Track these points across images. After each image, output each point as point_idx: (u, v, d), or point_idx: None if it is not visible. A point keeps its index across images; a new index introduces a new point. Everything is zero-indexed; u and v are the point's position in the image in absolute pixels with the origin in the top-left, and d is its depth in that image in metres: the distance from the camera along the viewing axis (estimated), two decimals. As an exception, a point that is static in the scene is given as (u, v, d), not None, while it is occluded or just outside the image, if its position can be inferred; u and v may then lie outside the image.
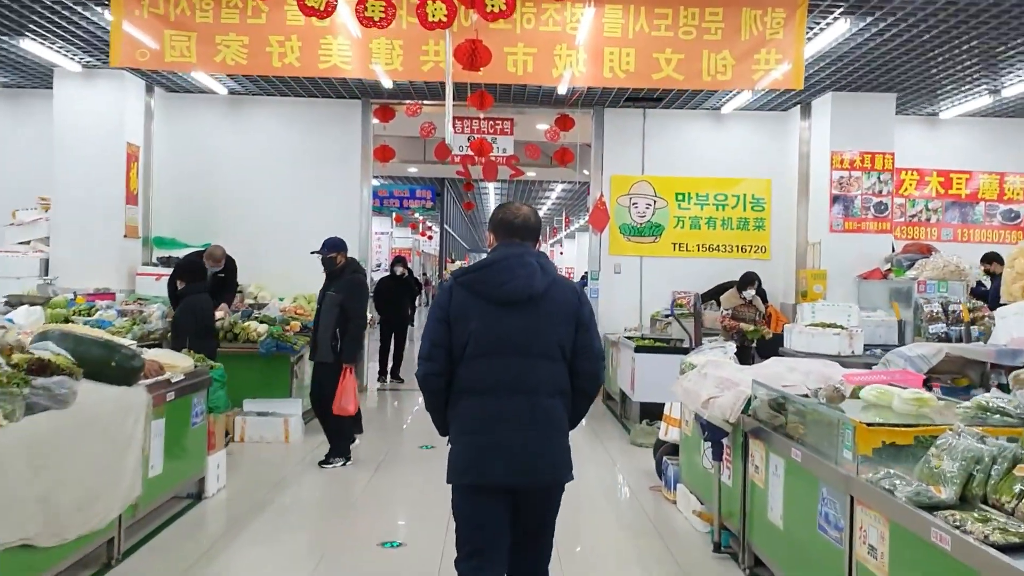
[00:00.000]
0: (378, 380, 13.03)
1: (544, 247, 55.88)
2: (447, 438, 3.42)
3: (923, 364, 5.84)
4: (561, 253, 54.01)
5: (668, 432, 6.66)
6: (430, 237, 43.51)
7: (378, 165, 12.76)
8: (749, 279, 10.04)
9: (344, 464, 7.59)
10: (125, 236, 11.03)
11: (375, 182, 24.07)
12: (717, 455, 5.12)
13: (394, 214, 27.79)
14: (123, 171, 10.98)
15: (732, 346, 6.44)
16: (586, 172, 18.41)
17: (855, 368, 5.77)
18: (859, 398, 4.12)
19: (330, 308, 7.53)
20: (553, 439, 3.32)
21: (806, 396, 4.41)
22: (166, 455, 5.62)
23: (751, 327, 9.74)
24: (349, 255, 7.97)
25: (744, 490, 4.88)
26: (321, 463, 7.59)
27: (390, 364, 13.13)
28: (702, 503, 5.74)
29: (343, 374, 7.43)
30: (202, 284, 8.46)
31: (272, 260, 12.16)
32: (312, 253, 8.01)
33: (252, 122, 12.28)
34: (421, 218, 38.93)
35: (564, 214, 34.40)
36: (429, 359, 3.31)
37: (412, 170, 20.39)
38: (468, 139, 12.10)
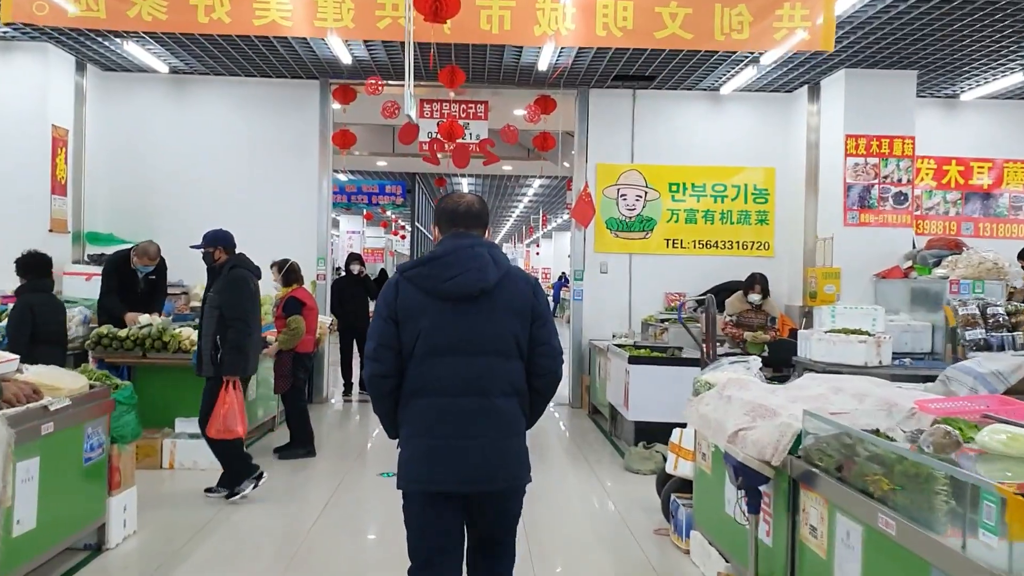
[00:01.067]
0: (344, 396, 11.75)
1: (520, 248, 54.78)
2: (396, 441, 3.23)
3: (998, 383, 4.71)
4: (537, 253, 52.88)
5: (678, 465, 5.47)
6: (403, 236, 42.25)
7: (341, 158, 11.52)
8: (754, 281, 8.91)
9: (255, 487, 6.46)
10: (51, 231, 9.71)
11: (342, 177, 22.82)
12: (754, 507, 3.94)
13: (364, 211, 26.50)
14: (48, 157, 9.67)
15: (757, 361, 5.26)
16: (567, 165, 17.26)
17: (883, 379, 4.64)
18: (971, 441, 2.95)
19: (209, 313, 6.42)
20: (508, 442, 3.12)
21: (878, 432, 3.26)
22: (43, 504, 4.37)
23: (755, 337, 8.64)
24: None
25: (792, 556, 3.70)
26: (207, 490, 6.54)
27: (355, 375, 11.85)
28: (727, 560, 4.56)
29: (223, 388, 6.24)
30: (47, 282, 7.04)
31: (220, 258, 10.88)
32: (192, 248, 6.90)
33: (198, 105, 11.01)
34: (394, 216, 37.68)
35: (541, 212, 33.19)
36: (375, 359, 3.13)
37: (381, 163, 19.13)
38: (437, 123, 10.87)
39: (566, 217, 35.10)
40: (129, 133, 10.94)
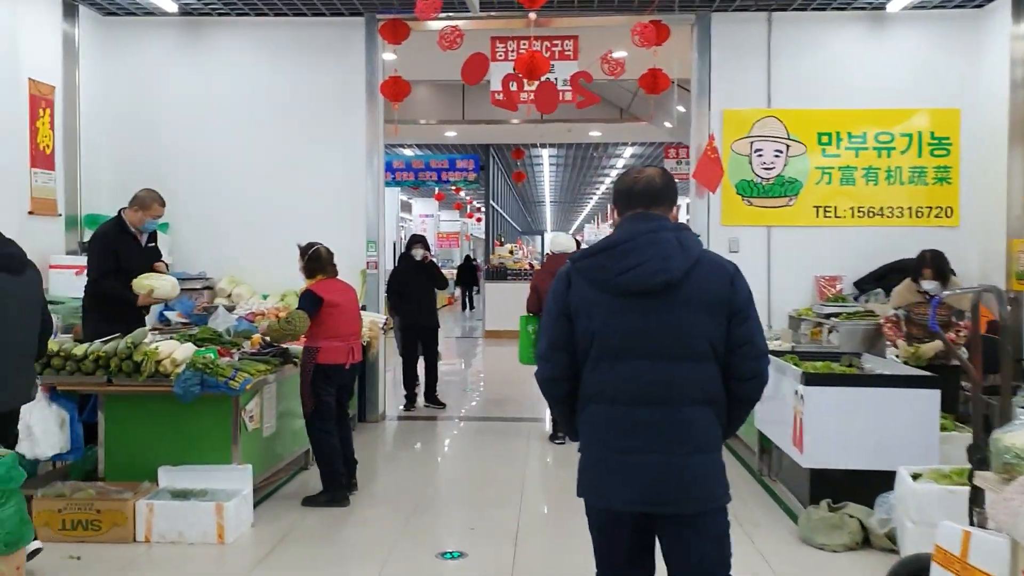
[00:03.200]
0: (405, 409, 9.52)
1: (603, 229, 51.98)
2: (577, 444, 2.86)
3: None
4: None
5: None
6: (479, 219, 40.14)
7: (394, 117, 9.21)
8: (923, 261, 6.35)
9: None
10: (32, 213, 7.68)
11: (408, 152, 20.67)
12: None
13: (436, 190, 24.31)
14: (24, 121, 7.63)
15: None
16: (668, 125, 14.73)
17: None
18: None
19: None
20: (694, 459, 2.66)
21: None
22: None
23: (916, 353, 6.14)
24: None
25: None
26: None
27: (420, 384, 9.60)
28: None
29: None
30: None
31: (248, 244, 8.83)
32: None
33: (216, 53, 8.89)
34: (468, 198, 35.57)
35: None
36: (548, 361, 2.78)
37: (450, 134, 16.90)
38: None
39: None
40: (135, 92, 8.87)
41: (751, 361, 2.72)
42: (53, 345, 5.30)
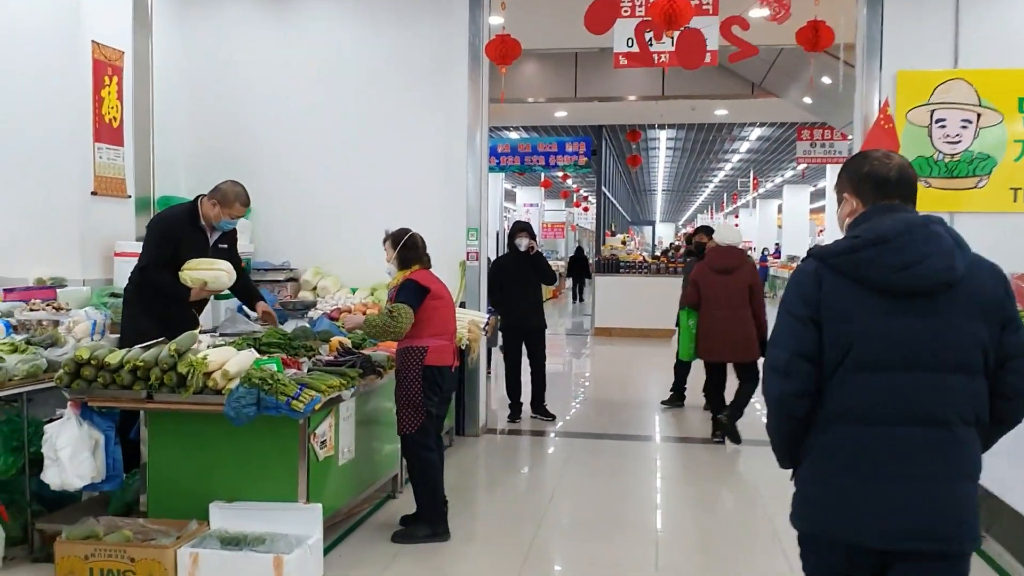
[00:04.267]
0: (509, 420, 8.35)
1: (717, 219, 49.85)
2: (791, 472, 2.52)
3: None
4: (736, 225, 47.97)
5: None
6: (586, 209, 38.83)
7: (501, 89, 8.05)
8: None
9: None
10: (95, 193, 6.83)
11: (513, 135, 19.51)
12: None
13: (542, 176, 23.18)
14: (87, 89, 6.78)
15: None
16: (807, 101, 13.16)
17: None
18: None
19: None
20: (964, 487, 2.33)
21: None
22: None
23: None
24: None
25: None
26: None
27: (527, 392, 8.44)
28: None
29: None
30: None
31: (336, 232, 7.85)
32: None
33: (300, 18, 7.94)
34: (575, 186, 34.29)
35: (752, 174, 28.68)
36: (788, 374, 2.38)
37: (559, 114, 15.69)
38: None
39: (787, 176, 30.76)
40: (213, 62, 8.00)
41: (1022, 378, 2.38)
42: (83, 351, 4.32)
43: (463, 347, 6.85)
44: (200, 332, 5.08)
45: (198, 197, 5.45)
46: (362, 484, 5.25)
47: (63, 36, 6.57)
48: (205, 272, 5.24)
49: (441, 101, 7.72)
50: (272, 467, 4.44)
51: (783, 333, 2.44)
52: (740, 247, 7.60)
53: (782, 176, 31.17)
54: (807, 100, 12.88)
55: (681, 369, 9.07)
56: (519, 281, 8.22)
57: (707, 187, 38.77)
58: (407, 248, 5.07)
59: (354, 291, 7.63)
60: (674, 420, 8.66)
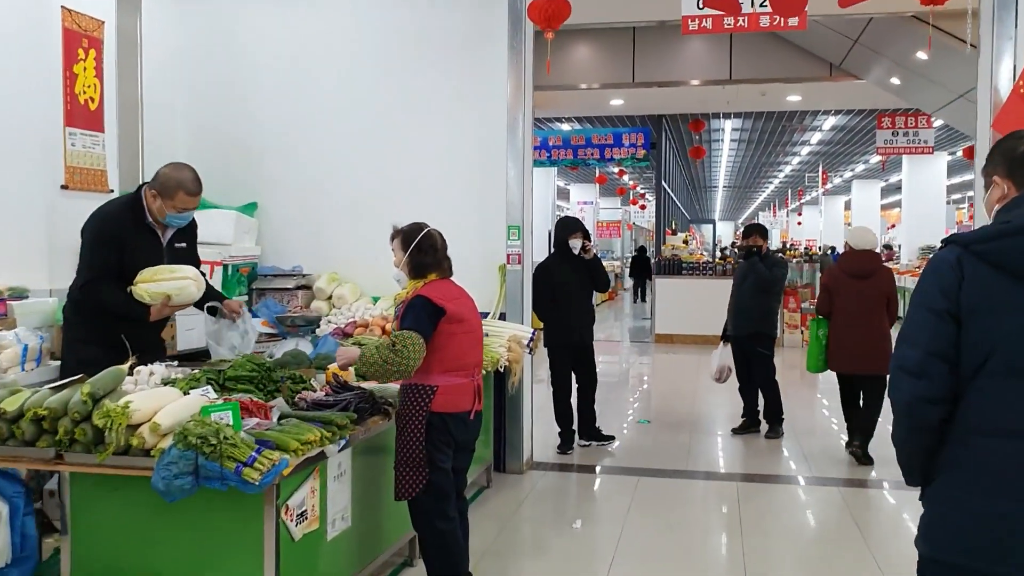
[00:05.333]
0: (560, 451, 7.14)
1: (779, 217, 47.86)
2: (920, 490, 2.26)
3: None
4: (799, 223, 45.97)
5: None
6: (643, 207, 37.38)
7: (545, 102, 6.83)
8: None
9: None
10: (65, 187, 5.77)
11: (565, 127, 18.23)
12: None
13: (597, 171, 21.86)
14: (56, 63, 5.72)
15: None
16: (895, 81, 11.66)
17: None
18: None
19: None
20: None
21: None
22: None
23: None
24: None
25: None
26: None
27: (575, 416, 7.23)
28: None
29: None
30: None
31: (355, 232, 6.71)
32: None
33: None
34: (632, 183, 32.89)
35: (821, 168, 26.95)
36: (921, 375, 2.12)
37: (616, 102, 14.39)
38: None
39: (857, 170, 28.92)
40: (215, 36, 6.89)
41: None
42: (-25, 392, 3.20)
43: (501, 369, 5.66)
44: (160, 362, 3.97)
45: (141, 186, 4.33)
46: (365, 556, 4.06)
47: (25, 4, 5.52)
48: (166, 283, 4.14)
49: (477, 79, 6.54)
50: (233, 548, 3.27)
51: (916, 328, 2.17)
52: (877, 251, 7.03)
53: (852, 171, 29.39)
54: (895, 81, 11.43)
55: (748, 389, 7.85)
56: (569, 288, 7.02)
57: (771, 183, 37.00)
58: (421, 251, 3.88)
59: (376, 300, 6.47)
60: (752, 451, 7.36)
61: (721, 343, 7.94)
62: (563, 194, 31.88)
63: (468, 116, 6.57)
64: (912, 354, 2.14)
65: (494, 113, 6.49)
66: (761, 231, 7.81)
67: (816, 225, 42.96)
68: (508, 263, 6.47)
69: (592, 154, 16.08)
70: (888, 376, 2.25)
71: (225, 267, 6.02)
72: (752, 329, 7.59)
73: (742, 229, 7.56)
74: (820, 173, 26.68)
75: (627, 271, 29.62)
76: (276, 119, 6.78)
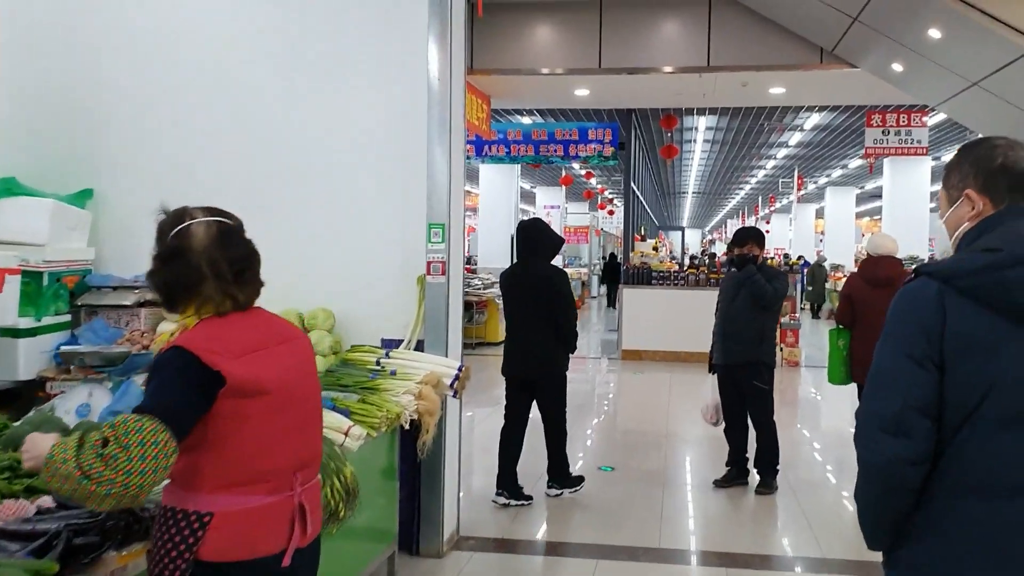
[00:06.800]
0: (500, 500, 5.84)
1: (747, 224, 46.63)
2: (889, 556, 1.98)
3: None
4: (767, 231, 44.68)
5: None
6: (611, 212, 36.01)
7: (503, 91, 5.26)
8: None
9: None
10: None
11: (525, 120, 16.70)
12: None
13: (562, 172, 20.35)
14: None
15: None
16: (896, 67, 10.22)
17: None
18: None
19: None
20: None
21: None
22: None
23: None
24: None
25: None
26: None
27: (528, 459, 5.84)
28: None
29: None
30: None
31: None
32: None
33: None
34: (600, 186, 31.51)
35: (796, 172, 25.62)
36: (900, 432, 1.85)
37: (580, 92, 12.87)
38: None
39: (836, 176, 27.70)
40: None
41: None
42: None
43: (406, 425, 4.11)
44: None
45: None
46: None
47: None
48: None
49: (396, 40, 4.97)
50: None
51: (892, 377, 1.89)
52: (898, 256, 6.38)
53: (828, 176, 28.18)
54: (896, 67, 9.99)
55: (736, 431, 6.41)
56: (530, 310, 5.83)
57: (743, 188, 35.75)
58: (176, 259, 2.23)
59: (251, 322, 4.85)
60: (741, 515, 5.87)
61: (710, 375, 6.50)
62: (528, 197, 30.41)
63: (386, 87, 5.00)
64: (889, 407, 1.87)
65: (410, 81, 4.93)
66: (758, 237, 6.38)
67: (786, 234, 41.95)
68: (428, 274, 4.90)
69: (555, 151, 14.58)
70: (854, 432, 1.90)
71: (35, 276, 4.38)
72: (747, 357, 6.13)
73: (732, 235, 6.08)
74: (796, 178, 25.38)
75: (595, 278, 28.37)
76: (129, 81, 5.15)
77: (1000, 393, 1.80)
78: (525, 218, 9.03)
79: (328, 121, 5.04)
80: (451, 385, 4.59)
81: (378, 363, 4.57)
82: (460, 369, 4.70)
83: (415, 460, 4.70)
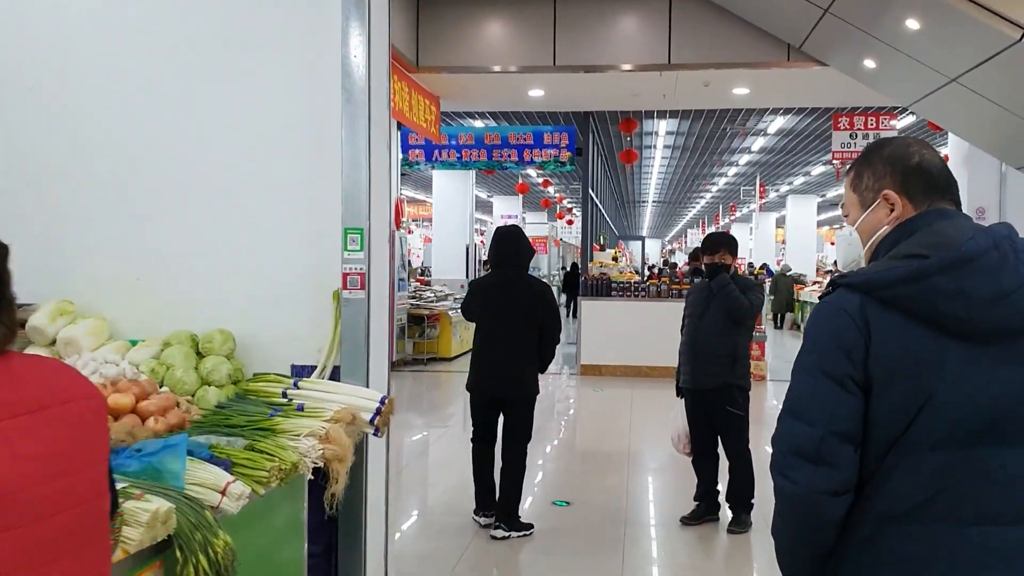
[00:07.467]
0: (475, 512, 5.60)
1: (702, 235, 46.35)
2: None
3: None
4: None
5: None
6: (570, 222, 35.49)
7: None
8: None
9: None
10: None
11: (478, 124, 15.99)
12: None
13: (518, 180, 19.67)
14: None
15: None
16: (869, 64, 9.65)
17: None
18: None
19: None
20: None
21: None
22: None
23: None
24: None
25: None
26: None
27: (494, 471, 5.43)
28: None
29: None
30: None
31: (105, 242, 4.32)
32: None
33: None
34: (558, 195, 30.93)
35: (758, 180, 25.18)
36: (821, 461, 1.71)
37: (535, 93, 12.19)
38: None
39: (798, 183, 27.40)
40: None
41: None
42: None
43: (306, 474, 3.35)
44: None
45: None
46: None
47: None
48: None
49: (303, 10, 4.23)
50: None
51: (811, 400, 1.76)
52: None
53: (789, 184, 27.87)
54: (869, 63, 9.44)
55: (706, 461, 5.75)
56: (505, 320, 5.39)
57: (703, 197, 35.42)
58: None
59: (134, 344, 4.07)
60: (715, 560, 5.18)
61: (677, 400, 5.82)
62: (485, 206, 29.75)
63: (299, 72, 4.24)
64: (808, 433, 1.73)
65: (325, 57, 4.18)
66: (731, 244, 5.73)
67: (746, 243, 41.76)
68: (345, 287, 4.13)
69: (510, 156, 13.88)
70: (770, 459, 1.79)
71: None
72: (720, 380, 5.45)
73: (700, 241, 5.43)
74: (757, 186, 24.97)
75: (556, 289, 27.88)
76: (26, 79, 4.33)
77: (932, 414, 1.65)
78: (502, 224, 8.41)
79: (225, 113, 4.25)
80: (371, 421, 3.83)
81: (284, 395, 3.81)
82: (383, 402, 3.93)
83: (333, 525, 3.95)
